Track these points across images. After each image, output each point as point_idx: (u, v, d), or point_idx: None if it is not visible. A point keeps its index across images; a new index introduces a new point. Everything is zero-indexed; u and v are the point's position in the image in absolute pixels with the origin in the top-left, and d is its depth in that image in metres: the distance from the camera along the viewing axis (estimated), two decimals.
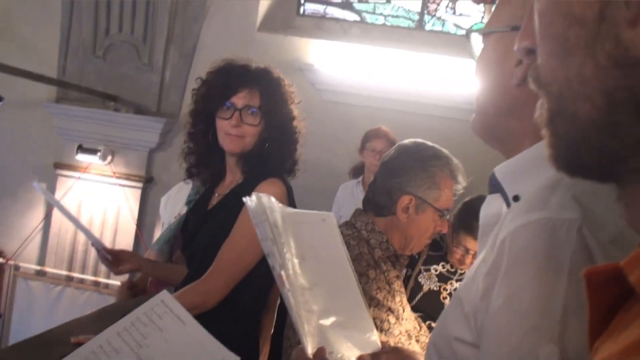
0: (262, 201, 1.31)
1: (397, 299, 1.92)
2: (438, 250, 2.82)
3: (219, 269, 2.07)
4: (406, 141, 2.04)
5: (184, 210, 3.00)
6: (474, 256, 2.72)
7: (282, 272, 1.26)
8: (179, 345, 1.52)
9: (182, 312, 1.57)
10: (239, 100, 2.17)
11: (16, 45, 5.14)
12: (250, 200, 1.30)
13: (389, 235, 1.96)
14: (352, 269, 1.42)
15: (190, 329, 1.55)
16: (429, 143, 2.02)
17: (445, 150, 2.01)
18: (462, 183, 1.99)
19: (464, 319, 0.88)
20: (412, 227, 1.95)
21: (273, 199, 1.36)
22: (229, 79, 2.18)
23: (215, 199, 2.28)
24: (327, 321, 1.31)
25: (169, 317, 1.57)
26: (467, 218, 2.67)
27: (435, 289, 2.74)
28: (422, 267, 2.76)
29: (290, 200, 2.14)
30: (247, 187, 2.08)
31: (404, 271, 2.27)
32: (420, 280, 2.74)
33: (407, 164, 1.97)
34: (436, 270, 2.79)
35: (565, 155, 0.55)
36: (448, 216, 1.99)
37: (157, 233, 3.51)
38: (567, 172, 0.55)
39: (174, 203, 3.26)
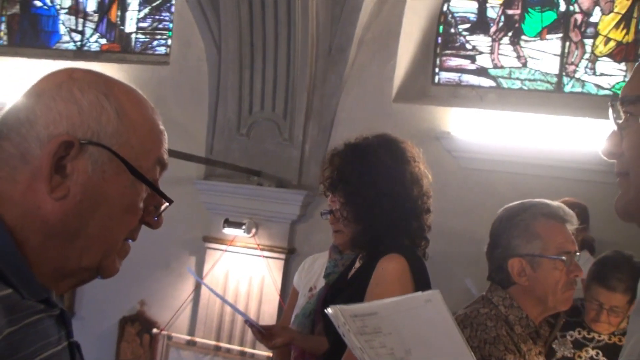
0: (342, 309, 1.28)
1: None
2: (575, 315, 2.69)
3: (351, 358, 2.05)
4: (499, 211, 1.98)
5: (321, 282, 3.04)
6: (609, 311, 2.57)
7: None
8: None
9: None
10: (324, 176, 2.28)
11: (169, 128, 5.45)
12: (330, 312, 1.28)
13: (523, 306, 1.87)
14: (466, 345, 1.33)
15: None
16: (517, 202, 1.94)
17: (535, 200, 1.91)
18: (568, 218, 1.87)
19: None
20: (539, 286, 1.85)
21: (356, 305, 1.31)
22: (326, 164, 2.27)
23: (353, 271, 2.29)
24: None
25: None
26: (600, 269, 2.54)
27: (569, 355, 2.60)
28: (558, 334, 2.64)
29: (415, 273, 2.05)
30: (367, 267, 2.08)
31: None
32: (554, 346, 2.61)
33: (499, 230, 1.91)
34: (571, 336, 2.65)
35: None
36: (574, 258, 1.86)
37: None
38: None
39: (309, 274, 3.30)
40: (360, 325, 1.26)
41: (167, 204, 1.14)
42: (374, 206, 2.13)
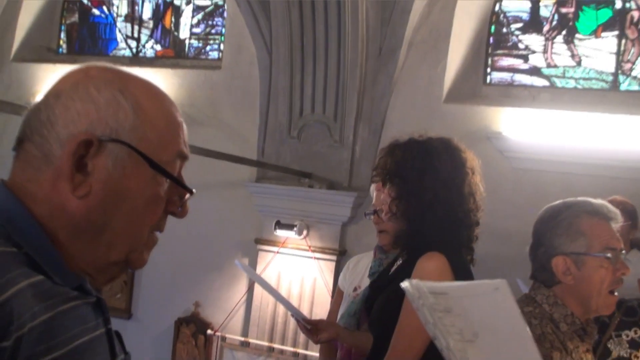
0: (419, 285, 1.29)
1: None
2: (632, 315, 2.64)
3: (395, 354, 2.04)
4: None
5: (365, 282, 3.05)
6: None
7: (450, 354, 1.23)
8: None
9: None
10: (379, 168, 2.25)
11: (221, 132, 5.60)
12: (406, 286, 1.29)
13: (568, 304, 1.84)
14: (531, 337, 1.34)
15: None
16: (559, 201, 1.91)
17: (578, 198, 1.88)
18: (612, 215, 1.82)
19: None
20: (583, 286, 1.81)
21: (430, 283, 1.33)
22: (382, 154, 2.25)
23: (396, 265, 2.29)
24: None
25: None
26: None
27: (625, 355, 2.54)
28: (613, 333, 2.58)
29: (457, 271, 2.04)
30: (408, 265, 2.08)
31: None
32: (609, 346, 2.56)
33: (542, 229, 1.88)
34: (627, 336, 2.59)
35: None
36: (620, 256, 1.82)
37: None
38: None
39: (353, 274, 3.32)
40: (433, 302, 1.27)
41: (189, 194, 1.14)
42: (427, 210, 2.12)
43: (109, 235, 1.04)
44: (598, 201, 1.89)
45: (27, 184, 1.02)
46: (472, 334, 1.27)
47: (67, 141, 1.00)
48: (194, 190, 1.14)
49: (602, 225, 1.84)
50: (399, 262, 2.28)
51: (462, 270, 2.08)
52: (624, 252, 1.86)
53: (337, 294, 3.52)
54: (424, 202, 2.12)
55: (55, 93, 1.05)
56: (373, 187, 3.15)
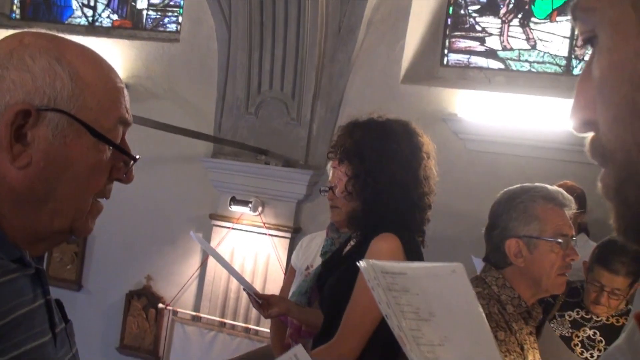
0: (375, 264, 1.31)
1: (530, 357, 1.86)
2: (575, 296, 2.73)
3: (347, 331, 2.07)
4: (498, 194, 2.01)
5: (317, 261, 3.08)
6: (610, 294, 2.61)
7: (401, 333, 1.26)
8: None
9: None
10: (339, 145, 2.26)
11: (178, 106, 5.55)
12: (362, 265, 1.32)
13: (517, 286, 1.90)
14: (484, 319, 1.37)
15: None
16: (517, 185, 1.97)
17: (535, 184, 1.94)
18: (567, 203, 1.89)
19: None
20: (534, 268, 1.88)
21: (388, 262, 1.36)
22: (344, 131, 2.26)
23: (348, 247, 2.32)
24: None
25: None
26: (604, 252, 2.57)
27: (567, 335, 2.64)
28: (556, 313, 2.67)
29: (409, 253, 2.08)
30: (362, 245, 2.11)
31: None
32: (552, 325, 2.65)
33: (498, 211, 1.93)
34: (570, 316, 2.69)
35: (636, 225, 0.52)
36: (571, 242, 1.89)
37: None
38: (638, 243, 0.53)
39: (306, 253, 3.34)
40: (390, 282, 1.29)
41: (132, 161, 1.14)
42: (383, 192, 2.15)
43: (52, 205, 1.04)
44: (554, 188, 1.94)
45: None
46: (428, 313, 1.30)
47: (4, 112, 0.99)
48: (137, 157, 1.14)
49: (556, 211, 1.90)
50: (352, 242, 2.30)
51: (414, 252, 2.11)
52: (574, 238, 1.92)
53: (289, 272, 3.55)
54: (381, 184, 2.15)
55: None
56: (330, 164, 3.17)
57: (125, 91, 1.13)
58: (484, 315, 1.38)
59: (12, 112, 0.98)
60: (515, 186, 1.98)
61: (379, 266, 1.32)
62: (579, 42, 0.60)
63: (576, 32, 4.01)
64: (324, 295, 2.29)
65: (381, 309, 1.30)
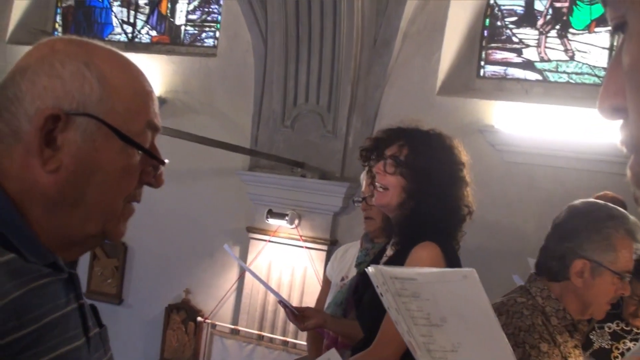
0: (383, 271, 1.31)
1: None
2: (614, 307, 2.68)
3: (383, 339, 2.08)
4: (577, 202, 1.96)
5: (352, 272, 3.07)
6: None
7: (411, 339, 1.25)
8: None
9: None
10: (388, 151, 2.23)
11: (215, 119, 5.61)
12: (370, 271, 1.31)
13: (565, 301, 1.87)
14: (498, 324, 1.36)
15: None
16: (602, 202, 1.93)
17: (619, 209, 1.90)
18: (639, 238, 1.87)
19: None
20: (590, 292, 1.85)
21: (397, 268, 1.34)
22: (386, 134, 2.26)
23: (383, 260, 2.31)
24: None
25: None
26: None
27: (606, 347, 2.59)
28: (596, 325, 2.63)
29: (449, 263, 2.07)
30: (401, 253, 2.10)
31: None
32: (591, 337, 2.60)
33: (579, 226, 1.88)
34: (609, 328, 2.64)
35: None
36: (628, 278, 1.87)
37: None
38: None
39: (341, 264, 3.34)
40: (399, 288, 1.28)
41: (161, 164, 1.14)
42: (427, 202, 2.16)
43: (83, 209, 1.05)
44: (634, 219, 1.92)
45: (0, 159, 1.03)
46: (440, 319, 1.29)
47: (34, 117, 1.01)
48: (166, 161, 1.14)
49: (631, 247, 1.89)
50: (389, 251, 2.30)
51: (454, 261, 2.11)
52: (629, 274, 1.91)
53: (324, 283, 3.55)
54: (427, 194, 2.16)
55: (21, 69, 1.05)
56: (363, 174, 3.17)
57: (154, 95, 1.14)
58: (498, 322, 1.36)
59: (42, 117, 1.00)
60: (602, 204, 1.95)
61: (388, 272, 1.32)
62: (610, 29, 0.59)
63: (615, 43, 3.98)
64: (362, 307, 2.28)
65: (390, 315, 1.29)
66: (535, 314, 1.85)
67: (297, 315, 2.56)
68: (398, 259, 2.09)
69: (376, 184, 2.22)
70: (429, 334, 1.26)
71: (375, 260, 2.37)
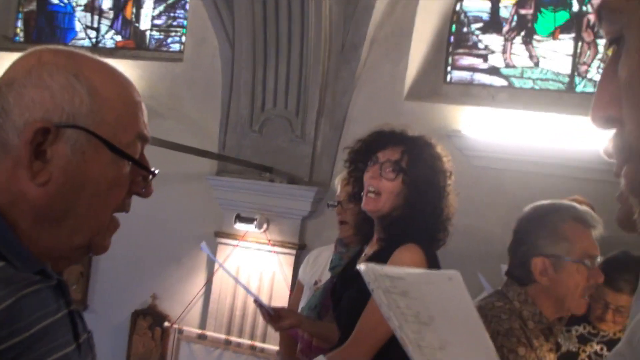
0: (374, 268, 1.32)
1: None
2: None
3: (358, 337, 2.10)
4: (526, 208, 2.00)
5: (325, 275, 3.08)
6: (615, 311, 2.60)
7: (403, 335, 1.27)
8: None
9: None
10: (382, 155, 2.23)
11: (182, 124, 5.57)
12: (362, 268, 1.32)
13: (539, 304, 1.89)
14: (482, 326, 1.37)
15: None
16: (547, 201, 1.96)
17: (566, 202, 1.93)
18: (595, 225, 1.89)
19: None
20: (559, 288, 1.87)
21: (387, 267, 1.36)
22: (379, 137, 2.26)
23: (362, 259, 2.32)
24: None
25: None
26: (607, 270, 2.57)
27: (573, 350, 2.63)
28: (563, 328, 2.67)
29: (431, 266, 2.10)
30: (384, 253, 2.11)
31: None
32: (559, 341, 2.64)
33: (528, 228, 1.92)
34: (577, 331, 2.68)
35: None
36: (591, 264, 1.88)
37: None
38: None
39: (313, 268, 3.34)
40: (389, 285, 1.30)
41: (151, 175, 1.15)
42: (421, 209, 2.19)
43: (72, 221, 1.05)
44: (583, 208, 1.94)
45: None
46: (428, 317, 1.31)
47: (23, 129, 1.00)
48: (156, 171, 1.14)
49: (585, 233, 1.90)
50: (368, 250, 2.30)
51: (435, 265, 2.14)
52: (599, 259, 1.92)
53: (297, 287, 3.55)
54: (425, 201, 2.19)
55: (7, 81, 1.04)
56: (338, 179, 3.17)
57: (143, 106, 1.14)
58: (482, 323, 1.38)
59: (32, 130, 0.99)
60: (544, 202, 1.97)
61: (379, 269, 1.33)
62: (605, 43, 0.61)
63: (579, 50, 4.04)
64: (341, 309, 2.29)
65: (382, 312, 1.31)
66: (513, 317, 1.87)
67: (272, 315, 2.55)
68: (379, 258, 2.10)
69: (368, 188, 2.21)
70: (419, 331, 1.28)
71: (354, 261, 2.38)
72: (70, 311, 1.08)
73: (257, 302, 2.61)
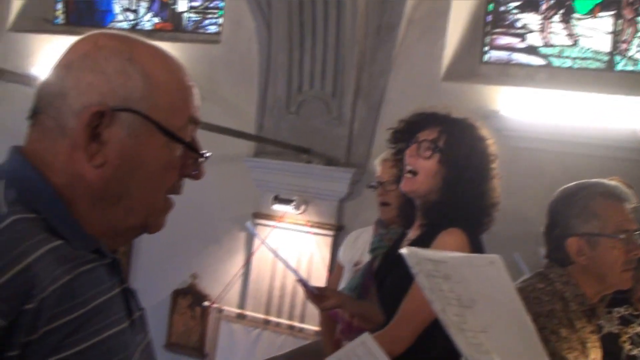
0: (417, 252, 1.34)
1: (592, 356, 1.86)
2: (623, 292, 2.70)
3: (402, 318, 2.11)
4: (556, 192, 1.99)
5: (365, 257, 3.10)
6: None
7: (445, 318, 1.29)
8: None
9: (381, 356, 1.65)
10: (422, 135, 2.24)
11: (220, 106, 5.61)
12: (405, 252, 1.34)
13: (582, 284, 1.89)
14: (524, 310, 1.37)
15: None
16: (573, 183, 1.95)
17: (592, 180, 1.92)
18: (625, 197, 1.87)
19: None
20: (598, 265, 1.86)
21: (429, 251, 1.37)
22: (420, 118, 2.26)
23: (405, 244, 2.33)
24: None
25: (368, 359, 1.65)
26: None
27: (615, 332, 2.61)
28: (604, 310, 2.66)
29: (474, 250, 2.09)
30: (426, 238, 2.12)
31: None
32: (600, 322, 2.63)
33: (558, 209, 1.92)
34: (619, 313, 2.66)
35: None
36: (625, 236, 1.86)
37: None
38: None
39: (353, 249, 3.36)
40: (432, 269, 1.32)
41: (203, 158, 1.19)
42: (461, 190, 2.17)
43: (126, 202, 1.08)
44: (612, 182, 1.94)
45: (44, 154, 1.05)
46: (469, 301, 1.33)
47: (80, 113, 1.03)
48: (207, 154, 1.18)
49: (616, 207, 1.89)
50: (411, 234, 2.30)
51: (478, 249, 2.13)
52: (638, 232, 1.90)
53: (336, 268, 3.58)
54: (463, 182, 2.17)
55: (65, 64, 1.07)
56: (378, 160, 3.18)
57: (195, 90, 1.17)
58: (523, 306, 1.38)
59: (88, 114, 1.03)
60: (572, 183, 1.98)
61: (422, 254, 1.35)
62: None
63: (618, 28, 3.98)
64: (384, 290, 2.30)
65: (425, 295, 1.33)
66: (555, 299, 1.87)
67: (316, 294, 2.59)
68: (423, 242, 2.11)
69: (407, 167, 2.21)
70: (461, 314, 1.30)
71: (398, 243, 2.38)
72: (123, 289, 1.12)
73: (302, 282, 2.65)
